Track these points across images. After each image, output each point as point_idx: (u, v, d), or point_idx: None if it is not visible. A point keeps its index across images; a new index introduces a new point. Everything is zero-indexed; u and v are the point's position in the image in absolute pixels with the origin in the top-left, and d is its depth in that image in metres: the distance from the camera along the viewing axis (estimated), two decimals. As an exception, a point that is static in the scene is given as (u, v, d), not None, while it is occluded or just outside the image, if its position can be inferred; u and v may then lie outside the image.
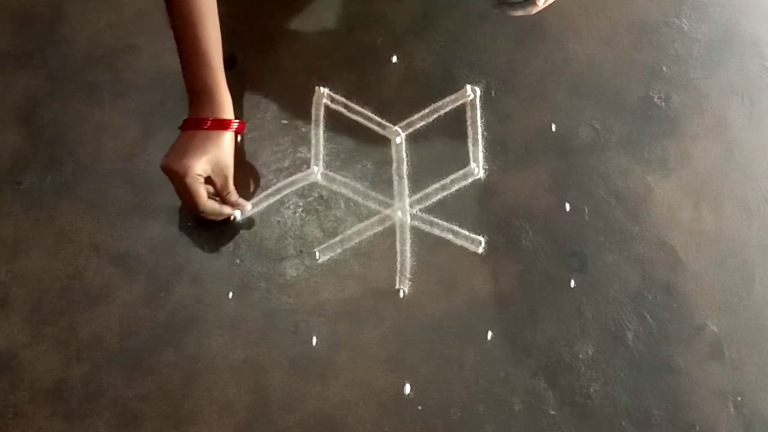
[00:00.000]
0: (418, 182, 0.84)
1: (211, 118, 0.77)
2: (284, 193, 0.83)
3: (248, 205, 0.82)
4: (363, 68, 0.88)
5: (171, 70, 0.86)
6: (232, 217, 0.82)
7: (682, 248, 0.82)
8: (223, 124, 0.78)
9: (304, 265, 0.81)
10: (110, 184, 0.84)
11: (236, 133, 0.80)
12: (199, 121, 0.77)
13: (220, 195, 0.80)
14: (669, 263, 0.81)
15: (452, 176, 0.84)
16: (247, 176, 0.84)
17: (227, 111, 0.79)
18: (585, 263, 0.81)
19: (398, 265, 0.81)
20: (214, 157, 0.77)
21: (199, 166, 0.75)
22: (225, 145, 0.78)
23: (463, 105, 0.86)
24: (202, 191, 0.77)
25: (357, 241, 0.82)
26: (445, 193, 0.83)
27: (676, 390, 0.78)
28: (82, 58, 0.88)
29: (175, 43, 0.78)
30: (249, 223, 0.82)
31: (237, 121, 0.79)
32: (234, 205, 0.81)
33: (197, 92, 0.78)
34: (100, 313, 0.79)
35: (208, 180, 0.78)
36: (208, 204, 0.78)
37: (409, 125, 0.85)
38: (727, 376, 0.78)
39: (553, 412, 0.77)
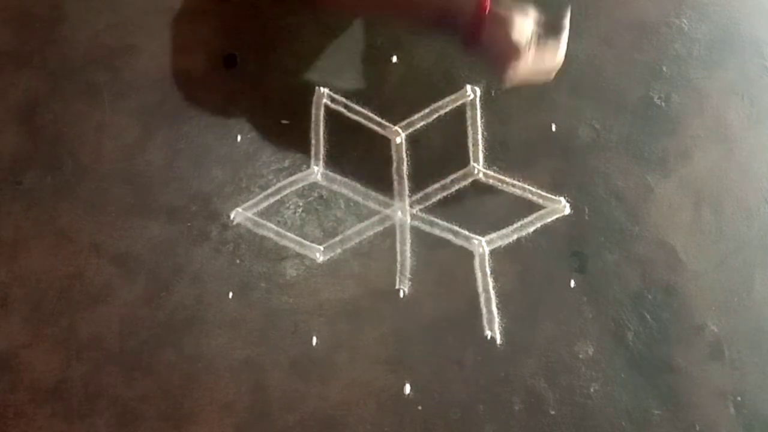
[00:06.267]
0: (418, 182, 0.84)
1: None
2: (284, 193, 0.83)
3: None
4: (363, 68, 0.88)
5: (171, 70, 0.86)
6: (231, 217, 0.82)
7: (682, 248, 0.82)
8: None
9: (304, 265, 0.81)
10: (110, 184, 0.84)
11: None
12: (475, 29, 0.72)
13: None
14: (669, 263, 0.81)
15: (452, 176, 0.84)
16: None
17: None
18: (585, 263, 0.81)
19: (398, 265, 0.81)
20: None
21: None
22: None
23: (463, 105, 0.86)
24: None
25: (357, 241, 0.82)
26: (445, 193, 0.83)
27: (676, 390, 0.78)
28: (82, 58, 0.88)
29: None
30: (249, 223, 0.82)
31: None
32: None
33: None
34: (100, 313, 0.79)
35: None
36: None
37: (409, 125, 0.85)
38: (727, 376, 0.78)
39: (553, 412, 0.77)
